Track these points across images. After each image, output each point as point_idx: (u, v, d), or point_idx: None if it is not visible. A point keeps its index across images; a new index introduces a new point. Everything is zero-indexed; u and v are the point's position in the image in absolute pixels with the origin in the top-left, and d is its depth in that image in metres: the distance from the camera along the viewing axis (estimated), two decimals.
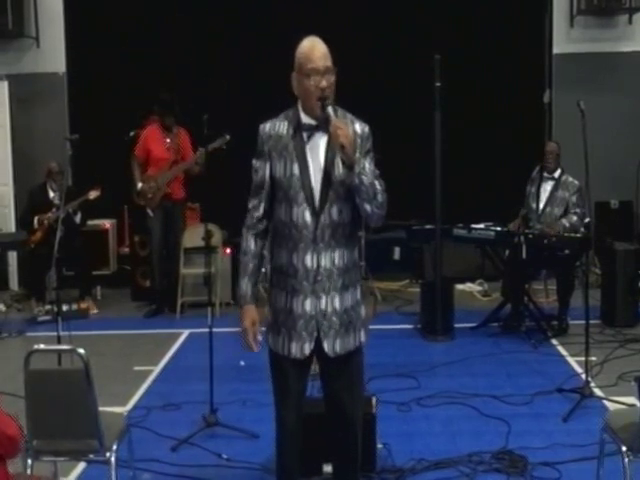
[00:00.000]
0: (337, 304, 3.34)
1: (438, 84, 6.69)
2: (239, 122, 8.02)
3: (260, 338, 3.42)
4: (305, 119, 3.31)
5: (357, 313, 3.42)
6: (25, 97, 9.19)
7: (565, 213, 6.93)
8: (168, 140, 7.83)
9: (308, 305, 3.32)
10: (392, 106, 8.79)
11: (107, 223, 9.12)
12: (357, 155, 3.20)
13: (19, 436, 2.86)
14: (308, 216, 3.28)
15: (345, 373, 3.41)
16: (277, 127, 3.35)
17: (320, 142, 3.30)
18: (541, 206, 7.04)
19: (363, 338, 3.45)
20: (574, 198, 6.90)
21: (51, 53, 9.32)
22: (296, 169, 3.28)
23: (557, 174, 7.02)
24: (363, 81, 8.80)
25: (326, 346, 3.34)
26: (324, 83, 3.23)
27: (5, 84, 8.95)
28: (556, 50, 9.18)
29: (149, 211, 7.86)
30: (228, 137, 7.44)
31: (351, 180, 3.21)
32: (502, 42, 9.03)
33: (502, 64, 8.96)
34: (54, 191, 8.07)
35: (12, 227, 8.86)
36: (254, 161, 3.42)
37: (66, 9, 9.29)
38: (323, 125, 3.26)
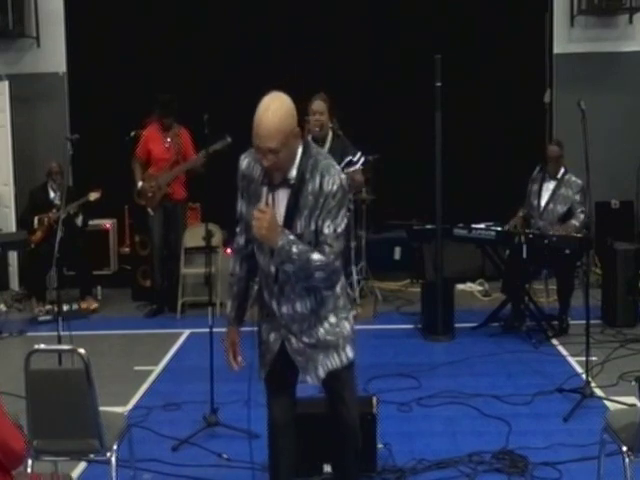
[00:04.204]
0: (307, 339, 3.36)
1: (438, 84, 6.68)
2: (240, 122, 8.04)
3: (239, 359, 3.54)
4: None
5: (337, 335, 3.38)
6: (25, 97, 9.20)
7: (569, 212, 6.92)
8: (168, 140, 7.83)
9: (277, 342, 3.40)
10: (392, 106, 8.80)
11: (108, 223, 9.12)
12: (281, 243, 3.11)
13: (24, 450, 2.87)
14: (273, 267, 3.29)
15: (336, 387, 3.44)
16: (251, 167, 3.31)
17: (283, 197, 3.23)
18: (542, 203, 7.03)
19: (350, 354, 3.42)
20: (578, 197, 6.89)
21: (51, 53, 9.33)
22: None
23: (560, 174, 7.02)
24: (363, 81, 8.81)
25: (309, 379, 3.39)
26: (265, 163, 3.14)
27: (5, 84, 8.94)
28: (556, 50, 9.19)
29: (150, 211, 7.86)
30: (229, 139, 7.43)
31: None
32: (502, 42, 9.04)
33: (502, 64, 8.96)
34: (54, 191, 8.08)
35: (12, 227, 8.85)
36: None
37: (66, 9, 9.30)
38: (285, 183, 3.21)
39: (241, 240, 3.47)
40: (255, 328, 3.53)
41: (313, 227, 3.20)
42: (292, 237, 3.15)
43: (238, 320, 3.54)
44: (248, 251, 3.44)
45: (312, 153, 3.24)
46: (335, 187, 3.18)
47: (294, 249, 3.13)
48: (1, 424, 2.71)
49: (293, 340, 3.36)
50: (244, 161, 3.36)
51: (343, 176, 3.24)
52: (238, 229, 3.48)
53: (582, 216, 6.85)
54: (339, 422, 3.49)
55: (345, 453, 3.56)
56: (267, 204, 3.18)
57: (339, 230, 3.21)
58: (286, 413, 3.52)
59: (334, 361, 3.38)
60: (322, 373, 3.36)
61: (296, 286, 3.28)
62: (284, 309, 3.34)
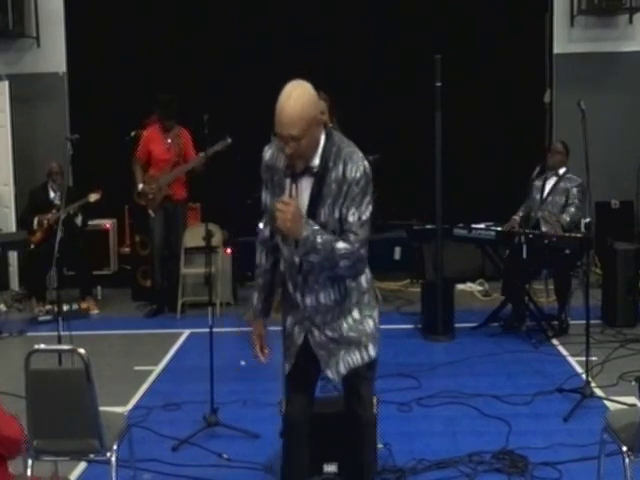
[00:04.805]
0: (330, 333, 3.35)
1: (438, 84, 6.68)
2: (240, 122, 8.04)
3: (267, 351, 3.51)
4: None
5: (360, 332, 3.37)
6: (25, 97, 9.20)
7: (566, 203, 6.94)
8: (169, 141, 7.83)
9: (301, 335, 3.38)
10: (392, 106, 8.79)
11: (108, 223, 9.12)
12: (305, 234, 3.10)
13: (21, 437, 2.86)
14: (297, 258, 3.27)
15: (354, 383, 3.42)
16: (276, 158, 3.28)
17: (306, 186, 3.22)
18: (544, 196, 7.05)
19: (373, 353, 3.40)
20: (575, 190, 6.93)
21: (51, 53, 9.33)
22: None
23: (562, 171, 7.05)
24: (363, 81, 8.81)
25: (330, 374, 3.37)
26: (287, 150, 3.11)
27: (5, 84, 8.94)
28: (556, 50, 9.19)
29: (150, 211, 7.86)
30: (230, 140, 7.44)
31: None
32: (502, 42, 9.03)
33: (502, 64, 8.96)
34: (55, 191, 8.08)
35: (12, 227, 8.86)
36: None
37: (66, 9, 9.30)
38: (308, 172, 3.20)
39: (266, 232, 3.45)
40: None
41: (337, 215, 3.18)
42: (316, 227, 3.13)
43: (264, 313, 3.53)
44: (273, 243, 3.42)
45: (335, 141, 3.22)
46: (359, 174, 3.16)
47: (319, 239, 3.11)
48: None
49: (316, 333, 3.34)
50: (268, 152, 3.32)
51: (366, 163, 3.22)
52: (263, 221, 3.46)
53: (572, 209, 6.87)
54: (355, 420, 3.48)
55: (361, 451, 3.53)
56: (290, 195, 3.16)
57: (364, 217, 3.18)
58: (304, 411, 3.49)
59: (355, 358, 3.36)
60: (343, 369, 3.35)
61: (320, 276, 3.27)
62: (308, 300, 3.32)
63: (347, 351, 3.35)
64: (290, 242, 3.24)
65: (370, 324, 3.40)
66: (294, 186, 3.19)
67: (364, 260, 3.26)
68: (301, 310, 3.35)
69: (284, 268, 3.39)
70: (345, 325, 3.34)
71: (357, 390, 3.45)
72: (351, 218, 3.16)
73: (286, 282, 3.40)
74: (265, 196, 3.38)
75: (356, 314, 3.37)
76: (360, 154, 3.24)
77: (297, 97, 3.08)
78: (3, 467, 2.85)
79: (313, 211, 3.19)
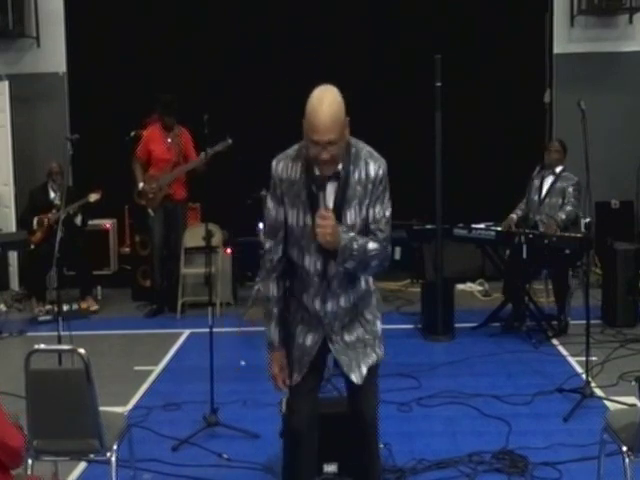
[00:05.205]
0: (347, 337, 3.36)
1: (438, 84, 6.68)
2: (240, 122, 8.04)
3: (288, 382, 3.44)
4: (317, 170, 3.19)
5: (373, 334, 3.42)
6: (25, 97, 9.20)
7: (563, 203, 6.95)
8: (169, 140, 7.83)
9: (317, 343, 3.35)
10: (392, 106, 8.79)
11: (108, 223, 9.12)
12: (343, 243, 3.10)
13: (23, 448, 2.86)
14: (319, 265, 3.24)
15: (365, 384, 3.42)
16: (290, 170, 3.22)
17: (330, 191, 3.19)
18: (542, 197, 7.05)
19: (381, 352, 3.45)
20: (571, 189, 6.93)
21: (51, 53, 9.33)
22: (309, 220, 3.19)
23: (558, 170, 7.05)
24: (363, 81, 8.80)
25: (354, 377, 3.36)
26: (324, 156, 3.08)
27: (5, 84, 8.94)
28: (556, 50, 9.19)
29: (150, 211, 7.86)
30: (230, 141, 7.44)
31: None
32: (502, 42, 9.03)
33: (502, 64, 8.96)
34: (54, 192, 8.08)
35: (12, 227, 8.86)
36: (268, 199, 3.31)
37: (66, 9, 9.29)
38: (334, 177, 3.17)
39: (276, 255, 3.31)
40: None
41: (364, 215, 3.21)
42: (351, 234, 3.15)
43: (284, 342, 3.42)
44: (282, 265, 3.33)
45: (352, 142, 3.23)
46: (381, 172, 3.21)
47: (355, 245, 3.14)
48: None
49: (337, 339, 3.35)
50: (279, 165, 3.24)
51: (384, 160, 3.25)
52: (270, 244, 3.32)
53: (569, 207, 6.87)
54: (359, 418, 3.48)
55: (366, 450, 3.54)
56: (325, 207, 3.15)
57: (387, 214, 3.25)
58: (312, 418, 3.47)
59: (372, 359, 3.40)
60: (365, 371, 3.37)
61: (343, 280, 3.27)
62: (329, 306, 3.30)
63: (364, 353, 3.38)
64: (312, 251, 3.22)
65: (378, 325, 3.46)
66: (321, 194, 3.17)
67: (389, 257, 3.30)
68: (318, 318, 3.33)
69: (299, 278, 3.33)
70: (360, 328, 3.38)
71: (365, 389, 3.44)
72: (378, 215, 3.23)
73: (298, 292, 3.36)
74: (277, 211, 3.26)
75: (369, 315, 3.41)
76: (376, 152, 3.28)
77: (330, 102, 3.08)
78: (7, 475, 2.86)
79: (339, 215, 3.17)
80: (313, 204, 3.18)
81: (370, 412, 3.49)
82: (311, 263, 3.26)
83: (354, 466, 3.64)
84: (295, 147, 3.27)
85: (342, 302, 3.32)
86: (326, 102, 3.07)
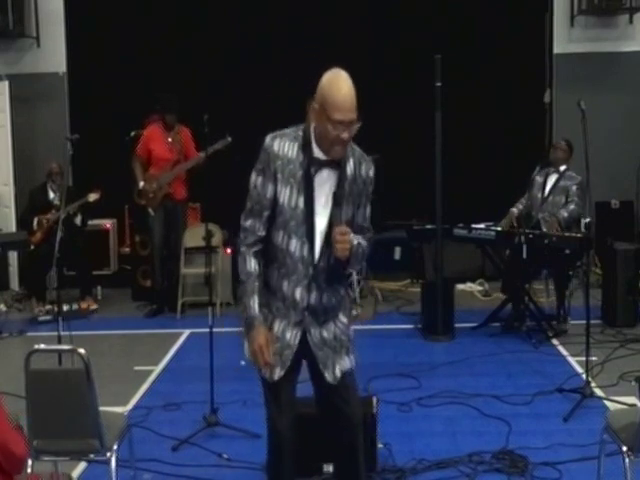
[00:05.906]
0: (325, 334, 3.34)
1: (438, 84, 6.68)
2: (240, 122, 8.04)
3: (270, 361, 3.28)
4: (317, 152, 3.18)
5: (348, 336, 3.41)
6: (25, 97, 9.20)
7: (566, 202, 6.95)
8: (170, 139, 7.83)
9: (297, 336, 3.29)
10: (392, 106, 8.79)
11: (108, 223, 9.12)
12: (354, 250, 3.19)
13: (26, 455, 2.86)
14: (306, 251, 3.21)
15: (341, 387, 3.38)
16: (286, 148, 3.17)
17: (328, 179, 3.19)
18: (545, 195, 7.06)
19: (354, 360, 3.43)
20: (574, 188, 6.94)
21: (51, 53, 9.33)
22: (301, 202, 3.17)
23: (562, 168, 7.06)
24: (363, 81, 8.80)
25: (327, 375, 3.33)
26: (346, 135, 3.10)
27: (5, 84, 8.94)
28: (556, 50, 9.19)
29: (150, 210, 7.86)
30: (230, 139, 7.43)
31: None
32: (502, 42, 9.04)
33: (502, 64, 8.96)
34: (54, 192, 8.08)
35: (12, 227, 8.86)
36: (254, 176, 3.24)
37: (66, 9, 9.30)
38: (333, 164, 3.18)
39: (260, 231, 3.23)
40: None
41: (353, 212, 3.27)
42: (355, 242, 3.21)
43: (265, 318, 3.29)
44: (262, 245, 3.25)
45: None
46: (371, 173, 3.31)
47: (360, 250, 3.27)
48: (2, 427, 2.70)
49: (315, 333, 3.31)
50: (274, 141, 3.19)
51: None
52: (252, 222, 3.23)
53: (572, 206, 6.88)
54: (342, 421, 3.43)
55: (352, 452, 3.50)
56: (342, 224, 3.18)
57: (369, 212, 3.36)
58: (291, 418, 3.41)
59: (345, 363, 3.38)
60: (338, 372, 3.35)
61: (331, 275, 3.28)
62: (312, 297, 3.26)
63: (339, 354, 3.35)
64: (304, 238, 3.20)
65: (351, 331, 3.45)
66: (318, 178, 3.19)
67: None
68: (297, 310, 3.27)
69: (280, 263, 3.24)
70: (336, 329, 3.36)
71: (346, 394, 3.40)
72: (367, 214, 3.32)
73: (276, 279, 3.27)
74: (265, 188, 3.20)
75: (343, 318, 3.41)
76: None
77: (348, 82, 3.15)
78: (7, 475, 2.86)
79: (336, 205, 3.20)
80: (308, 186, 3.18)
81: (357, 415, 3.45)
82: (297, 247, 3.21)
83: (345, 470, 3.58)
84: (293, 128, 3.27)
85: (324, 299, 3.29)
86: (345, 82, 3.14)
